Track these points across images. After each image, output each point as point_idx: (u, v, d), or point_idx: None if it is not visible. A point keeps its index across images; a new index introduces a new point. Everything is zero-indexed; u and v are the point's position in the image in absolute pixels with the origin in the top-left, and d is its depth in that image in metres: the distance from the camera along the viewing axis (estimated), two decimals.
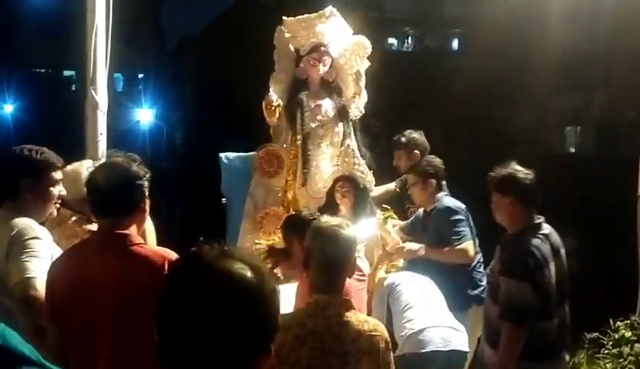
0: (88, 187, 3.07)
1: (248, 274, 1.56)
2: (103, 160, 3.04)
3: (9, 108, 32.24)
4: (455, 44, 33.02)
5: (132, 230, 2.95)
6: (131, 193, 2.97)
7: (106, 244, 2.92)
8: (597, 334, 5.78)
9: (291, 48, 5.34)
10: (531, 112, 20.10)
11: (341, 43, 5.38)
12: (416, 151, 5.61)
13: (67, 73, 37.86)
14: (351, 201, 5.03)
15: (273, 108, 5.11)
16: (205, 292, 1.53)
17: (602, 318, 5.87)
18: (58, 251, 3.55)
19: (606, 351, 5.70)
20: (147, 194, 3.04)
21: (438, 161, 5.21)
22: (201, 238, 1.65)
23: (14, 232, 3.34)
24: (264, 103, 5.15)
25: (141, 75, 41.63)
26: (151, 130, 34.56)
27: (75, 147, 5.09)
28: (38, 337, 3.37)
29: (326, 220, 3.11)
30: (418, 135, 5.73)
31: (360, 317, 2.97)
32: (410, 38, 33.49)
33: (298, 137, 5.22)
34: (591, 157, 20.19)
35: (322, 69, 5.28)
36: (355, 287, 3.77)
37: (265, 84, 5.34)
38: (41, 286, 3.19)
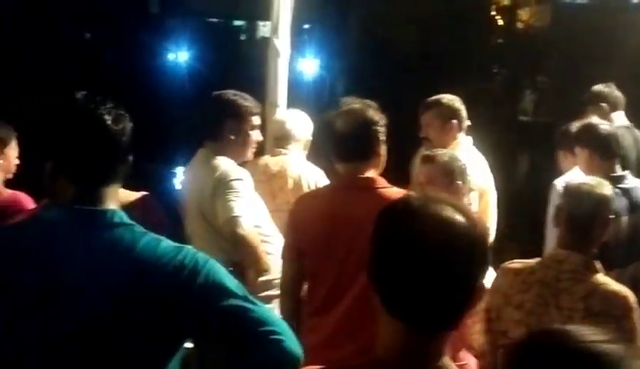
0: (330, 134, 3.27)
1: (459, 217, 1.54)
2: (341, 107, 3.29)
3: (184, 56, 33.68)
4: None
5: (374, 173, 3.10)
6: (369, 139, 3.12)
7: (352, 187, 3.06)
8: None
9: None
10: None
11: None
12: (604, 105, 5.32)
13: (237, 23, 38.95)
14: None
15: None
16: (421, 236, 1.53)
17: None
18: (254, 193, 3.76)
19: None
20: (383, 139, 3.18)
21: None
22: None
23: (218, 173, 3.59)
24: None
25: (306, 26, 42.05)
26: (315, 80, 34.94)
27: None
28: (239, 272, 3.61)
29: (584, 181, 3.17)
30: (606, 89, 5.46)
31: (604, 279, 2.88)
32: None
33: None
34: None
35: None
36: None
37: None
38: (246, 224, 3.45)
